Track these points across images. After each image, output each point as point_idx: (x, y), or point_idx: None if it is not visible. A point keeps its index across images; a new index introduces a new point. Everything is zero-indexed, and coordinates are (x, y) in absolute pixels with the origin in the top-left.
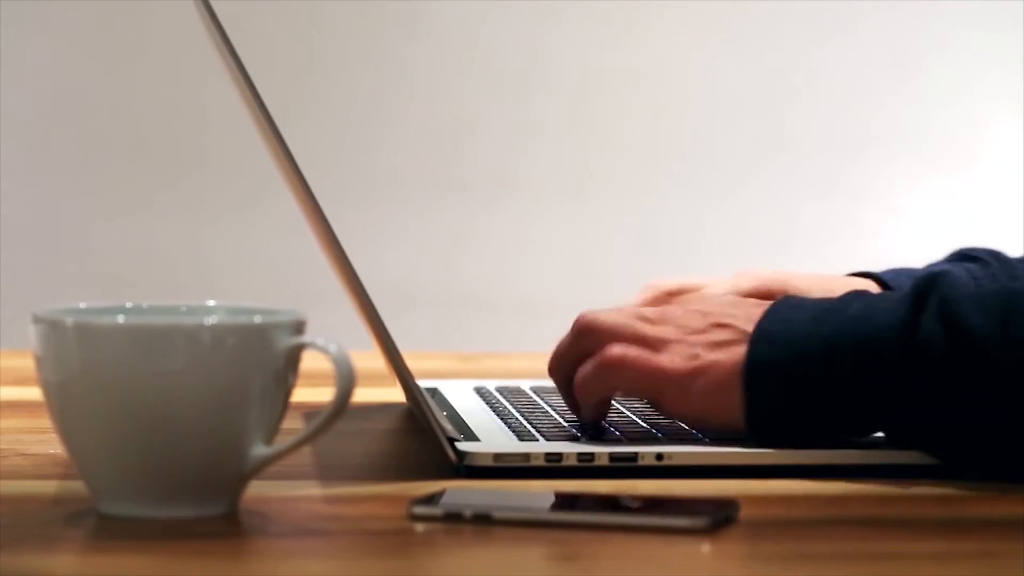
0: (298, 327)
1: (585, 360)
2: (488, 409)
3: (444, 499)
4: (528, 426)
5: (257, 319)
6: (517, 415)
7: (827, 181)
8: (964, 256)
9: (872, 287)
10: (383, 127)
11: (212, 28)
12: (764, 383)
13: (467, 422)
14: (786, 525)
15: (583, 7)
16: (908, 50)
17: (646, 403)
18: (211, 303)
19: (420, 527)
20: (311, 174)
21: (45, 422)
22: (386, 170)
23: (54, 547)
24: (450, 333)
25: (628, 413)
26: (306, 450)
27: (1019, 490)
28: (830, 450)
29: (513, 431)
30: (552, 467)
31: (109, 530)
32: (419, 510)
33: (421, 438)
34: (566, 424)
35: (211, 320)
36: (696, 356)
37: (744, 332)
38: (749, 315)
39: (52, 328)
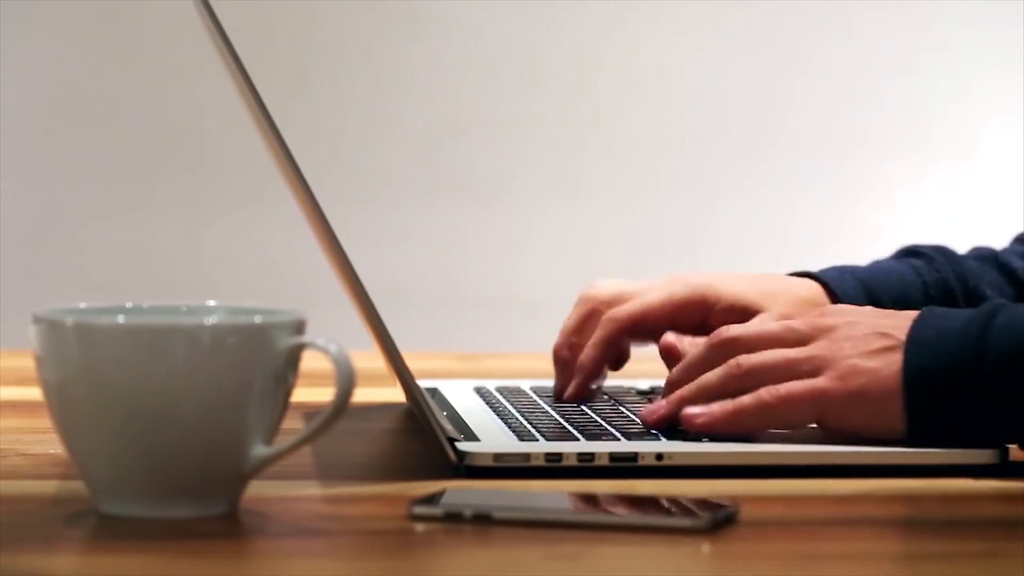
0: (298, 327)
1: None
2: (488, 409)
3: (444, 499)
4: (528, 426)
5: (257, 319)
6: (517, 415)
7: (827, 180)
8: (910, 252)
9: (815, 288)
10: (382, 127)
11: (212, 28)
12: (921, 392)
13: (467, 422)
14: (786, 525)
15: (582, 7)
16: (908, 50)
17: None
18: (211, 303)
19: (420, 527)
20: (311, 174)
21: (45, 422)
22: (386, 170)
23: (54, 547)
24: (450, 333)
25: (628, 413)
26: (306, 450)
27: (1019, 490)
28: (830, 450)
29: (513, 431)
30: (552, 467)
31: (109, 530)
32: (419, 510)
33: (421, 438)
34: (566, 424)
35: (211, 320)
36: (855, 370)
37: (899, 340)
38: (900, 324)
39: (52, 328)
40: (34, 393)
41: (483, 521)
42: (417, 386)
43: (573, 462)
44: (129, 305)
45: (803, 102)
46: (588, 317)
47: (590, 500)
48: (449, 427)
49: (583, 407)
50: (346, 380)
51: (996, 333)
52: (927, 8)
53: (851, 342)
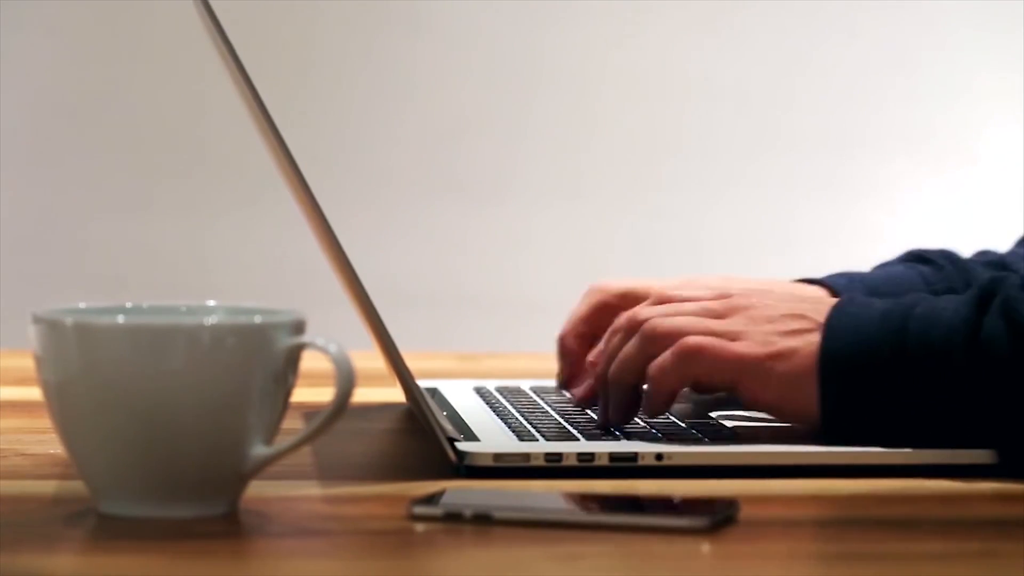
0: (298, 327)
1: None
2: (488, 409)
3: (444, 499)
4: (528, 426)
5: (257, 319)
6: (517, 415)
7: (826, 181)
8: (917, 258)
9: (824, 295)
10: (382, 127)
11: (212, 28)
12: (837, 375)
13: (467, 422)
14: (786, 525)
15: (582, 7)
16: (908, 50)
17: (718, 396)
18: (211, 303)
19: (420, 527)
20: (311, 174)
21: (45, 422)
22: (385, 170)
23: (54, 547)
24: (450, 333)
25: None
26: (306, 450)
27: (1019, 490)
28: (830, 450)
29: (513, 431)
30: (552, 467)
31: (109, 530)
32: (419, 510)
33: (421, 438)
34: (566, 424)
35: (211, 320)
36: (772, 343)
37: (817, 322)
38: (817, 308)
39: (52, 328)
40: (34, 393)
41: (483, 521)
42: (417, 386)
43: (573, 462)
44: (129, 305)
45: (803, 102)
46: (598, 308)
47: (590, 500)
48: (449, 427)
49: (583, 407)
50: (346, 380)
51: (915, 323)
52: (927, 8)
53: (770, 321)
